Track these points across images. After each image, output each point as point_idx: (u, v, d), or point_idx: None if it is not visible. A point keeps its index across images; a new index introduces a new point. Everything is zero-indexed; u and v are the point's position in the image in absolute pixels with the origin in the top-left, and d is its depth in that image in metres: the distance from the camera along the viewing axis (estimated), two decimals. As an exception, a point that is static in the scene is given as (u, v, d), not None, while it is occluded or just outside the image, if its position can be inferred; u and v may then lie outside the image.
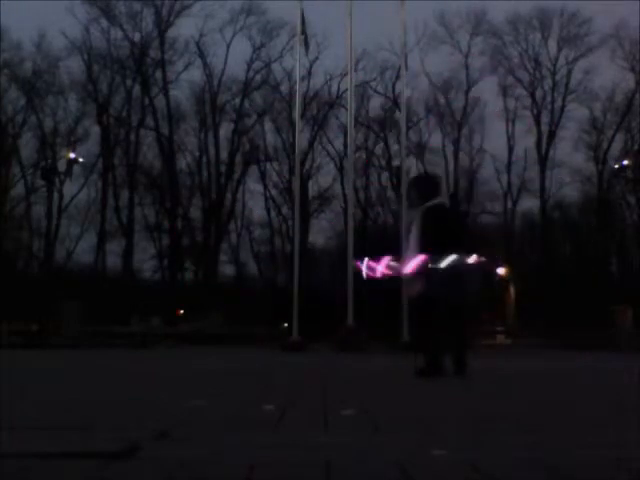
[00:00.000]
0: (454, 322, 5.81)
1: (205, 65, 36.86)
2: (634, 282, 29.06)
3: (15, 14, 33.84)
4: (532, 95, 37.12)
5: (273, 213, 36.74)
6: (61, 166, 34.54)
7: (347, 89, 18.90)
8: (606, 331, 19.49)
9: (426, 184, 6.08)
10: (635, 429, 2.59)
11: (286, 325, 20.61)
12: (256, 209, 37.25)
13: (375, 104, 36.40)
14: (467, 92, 36.84)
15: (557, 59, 37.06)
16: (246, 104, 36.98)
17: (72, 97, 36.38)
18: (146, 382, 5.36)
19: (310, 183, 35.42)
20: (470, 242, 6.01)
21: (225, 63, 36.29)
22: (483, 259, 5.80)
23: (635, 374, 6.61)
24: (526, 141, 36.91)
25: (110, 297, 30.91)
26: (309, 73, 34.41)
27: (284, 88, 36.17)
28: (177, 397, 3.87)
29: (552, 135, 36.45)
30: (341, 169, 34.59)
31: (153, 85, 37.08)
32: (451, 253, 5.50)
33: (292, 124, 31.25)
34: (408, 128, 30.32)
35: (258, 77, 36.94)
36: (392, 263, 5.79)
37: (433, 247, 5.51)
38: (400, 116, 21.75)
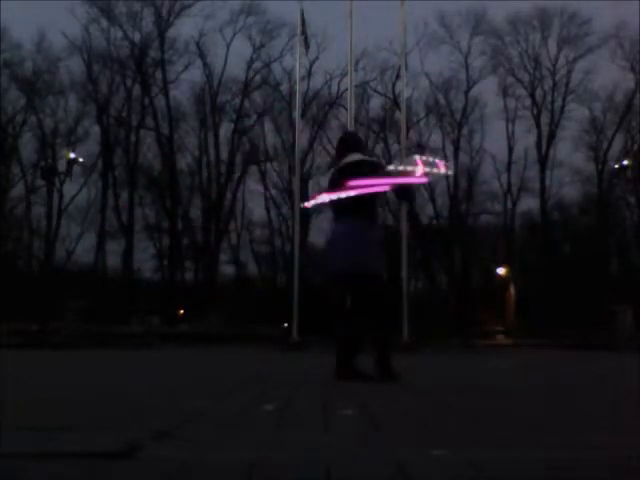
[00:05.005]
0: (360, 305, 4.96)
1: (205, 65, 36.93)
2: (634, 282, 29.05)
3: (15, 14, 33.80)
4: (532, 95, 37.15)
5: (273, 213, 36.78)
6: (61, 166, 34.59)
7: (347, 89, 18.84)
8: (606, 331, 19.49)
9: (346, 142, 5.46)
10: (634, 429, 2.59)
11: (286, 325, 20.60)
12: (256, 209, 37.31)
13: (375, 104, 36.47)
14: (467, 92, 36.86)
15: (557, 59, 37.13)
16: (246, 104, 37.04)
17: (72, 97, 36.48)
18: (146, 382, 5.36)
19: (310, 183, 35.41)
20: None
21: (225, 63, 36.38)
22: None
23: (635, 374, 6.61)
24: (526, 141, 36.98)
25: (110, 297, 30.93)
26: (309, 73, 34.45)
27: (284, 88, 36.24)
28: (177, 397, 3.87)
29: (552, 135, 36.48)
30: (341, 169, 34.53)
31: (153, 85, 37.10)
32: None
33: (292, 124, 31.24)
34: (408, 128, 30.30)
35: (258, 77, 37.01)
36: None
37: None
38: (400, 116, 21.71)
